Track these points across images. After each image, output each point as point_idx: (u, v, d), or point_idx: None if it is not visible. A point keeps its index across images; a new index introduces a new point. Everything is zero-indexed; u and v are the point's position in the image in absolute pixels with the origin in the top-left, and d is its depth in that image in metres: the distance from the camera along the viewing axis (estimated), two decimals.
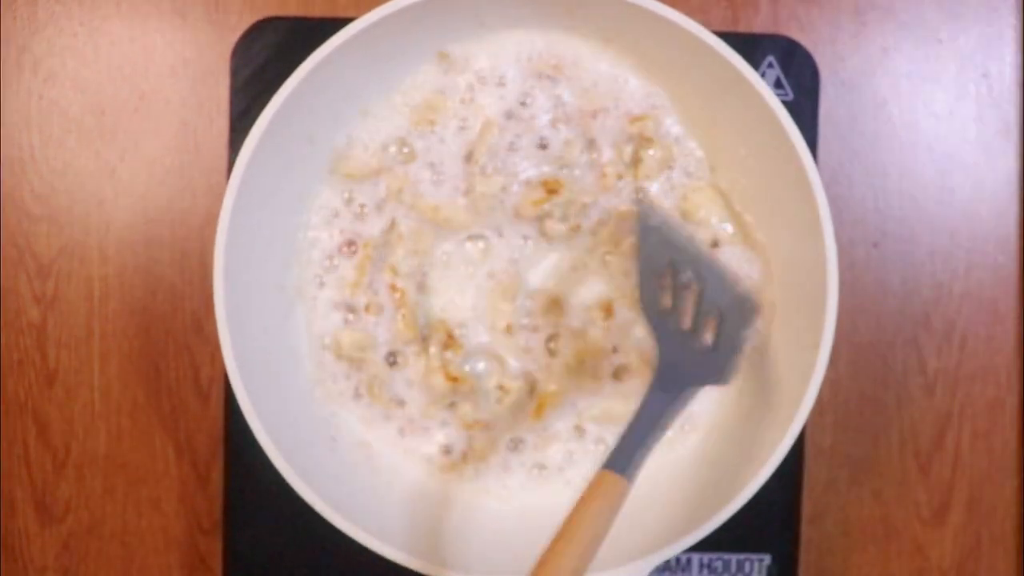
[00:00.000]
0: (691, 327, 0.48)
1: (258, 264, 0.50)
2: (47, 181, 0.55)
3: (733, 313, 0.47)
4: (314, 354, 0.52)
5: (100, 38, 0.55)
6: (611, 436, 0.53)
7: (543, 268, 0.52)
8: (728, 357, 0.47)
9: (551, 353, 0.53)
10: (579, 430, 0.53)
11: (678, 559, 0.55)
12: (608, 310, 0.52)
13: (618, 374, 0.53)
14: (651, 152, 0.52)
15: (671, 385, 0.46)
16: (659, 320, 0.48)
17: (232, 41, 0.54)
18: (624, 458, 0.44)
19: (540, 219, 0.52)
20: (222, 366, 0.47)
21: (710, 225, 0.52)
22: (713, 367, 0.47)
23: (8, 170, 0.55)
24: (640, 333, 0.52)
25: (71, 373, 0.56)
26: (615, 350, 0.53)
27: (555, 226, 0.51)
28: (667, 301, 0.48)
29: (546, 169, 0.52)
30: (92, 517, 0.56)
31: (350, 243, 0.52)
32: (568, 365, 0.53)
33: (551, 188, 0.51)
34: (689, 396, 0.46)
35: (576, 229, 0.52)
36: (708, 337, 0.47)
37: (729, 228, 0.52)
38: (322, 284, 0.52)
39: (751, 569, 0.55)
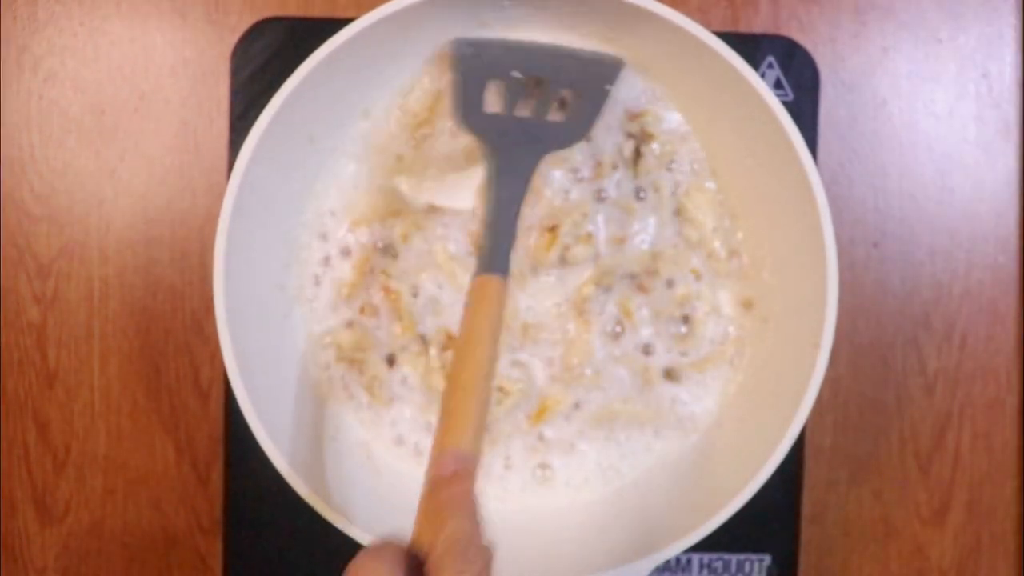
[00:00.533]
0: (532, 114, 0.49)
1: (258, 264, 0.50)
2: (47, 181, 0.55)
3: (590, 80, 0.49)
4: (314, 354, 0.52)
5: (100, 38, 0.55)
6: (610, 436, 0.53)
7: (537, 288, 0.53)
8: (580, 120, 0.49)
9: (549, 363, 0.53)
10: (578, 431, 0.53)
11: (678, 559, 0.55)
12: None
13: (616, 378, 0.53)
14: (652, 147, 0.51)
15: (512, 167, 0.48)
16: (481, 121, 0.49)
17: (232, 41, 0.54)
18: (495, 257, 0.46)
19: (562, 256, 0.52)
20: (222, 366, 0.47)
21: (708, 225, 0.52)
22: (558, 135, 0.49)
23: (8, 170, 0.55)
24: (644, 336, 0.52)
25: (71, 373, 0.56)
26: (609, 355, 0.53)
27: (578, 251, 0.52)
28: (495, 107, 0.49)
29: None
30: (92, 517, 0.56)
31: (349, 245, 0.52)
32: (564, 369, 0.53)
33: (551, 227, 0.51)
34: (532, 172, 0.48)
35: (588, 239, 0.52)
36: (555, 115, 0.49)
37: (728, 228, 0.52)
38: (322, 284, 0.52)
39: (751, 569, 0.55)
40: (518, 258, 0.51)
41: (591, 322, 0.52)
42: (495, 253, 0.46)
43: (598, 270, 0.52)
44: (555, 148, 0.50)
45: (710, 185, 0.52)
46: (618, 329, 0.52)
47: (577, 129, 0.49)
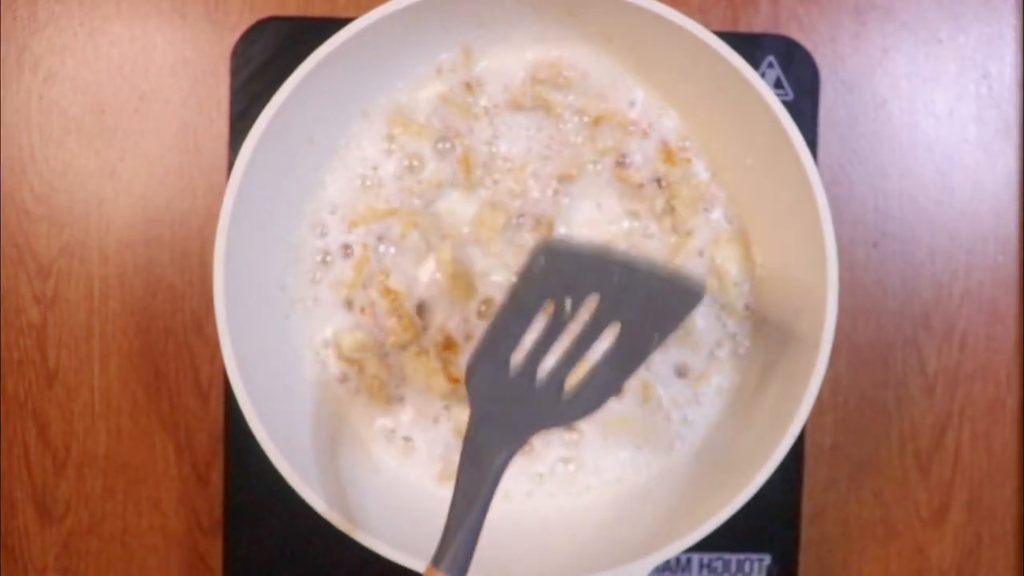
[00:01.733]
0: (551, 373, 0.43)
1: (258, 264, 0.50)
2: (47, 181, 0.55)
3: (656, 305, 0.42)
4: (314, 354, 0.52)
5: (100, 38, 0.55)
6: (612, 443, 0.53)
7: None
8: (598, 387, 0.42)
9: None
10: (578, 436, 0.53)
11: (678, 559, 0.55)
12: None
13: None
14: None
15: (479, 457, 0.42)
16: (483, 380, 0.43)
17: (232, 41, 0.54)
18: (452, 555, 0.42)
19: None
20: (222, 366, 0.47)
21: (706, 227, 0.52)
22: (556, 414, 0.43)
23: (8, 170, 0.55)
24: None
25: (71, 373, 0.56)
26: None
27: None
28: (518, 353, 0.43)
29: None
30: (92, 517, 0.56)
31: (348, 244, 0.52)
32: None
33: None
34: (503, 467, 0.42)
35: None
36: (568, 375, 0.43)
37: (729, 229, 0.52)
38: (321, 284, 0.52)
39: (751, 569, 0.55)
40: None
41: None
42: (452, 551, 0.42)
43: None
44: (544, 428, 0.44)
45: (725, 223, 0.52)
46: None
47: (568, 412, 0.43)
